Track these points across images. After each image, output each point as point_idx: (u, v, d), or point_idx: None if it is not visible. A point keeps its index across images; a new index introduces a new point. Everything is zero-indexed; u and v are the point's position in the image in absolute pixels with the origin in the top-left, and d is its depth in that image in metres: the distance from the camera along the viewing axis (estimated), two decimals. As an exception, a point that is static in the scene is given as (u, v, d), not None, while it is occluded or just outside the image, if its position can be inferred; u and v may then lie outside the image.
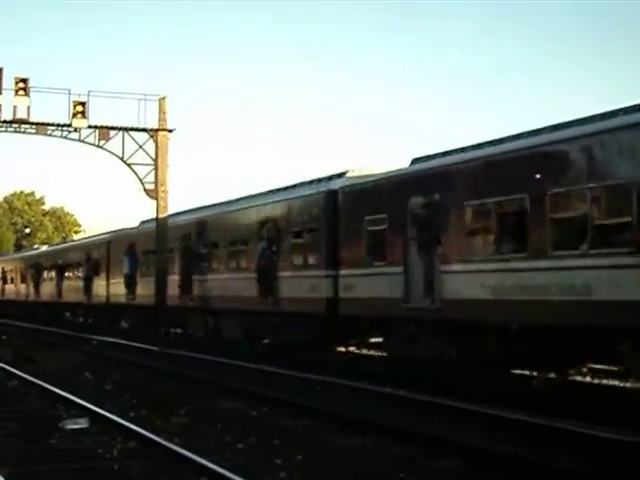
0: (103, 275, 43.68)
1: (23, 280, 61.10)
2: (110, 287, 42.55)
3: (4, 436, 13.06)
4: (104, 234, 46.96)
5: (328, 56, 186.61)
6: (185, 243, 34.79)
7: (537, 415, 13.56)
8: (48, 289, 53.20)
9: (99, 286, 44.19)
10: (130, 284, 39.28)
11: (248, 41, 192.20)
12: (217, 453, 11.44)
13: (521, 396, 15.82)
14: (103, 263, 44.05)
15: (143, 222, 42.67)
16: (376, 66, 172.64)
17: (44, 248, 64.21)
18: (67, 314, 53.11)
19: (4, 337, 36.85)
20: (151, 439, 12.24)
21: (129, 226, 46.15)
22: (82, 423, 14.02)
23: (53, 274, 53.01)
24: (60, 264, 51.70)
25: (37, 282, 55.56)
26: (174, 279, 34.53)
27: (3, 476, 9.89)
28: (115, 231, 45.31)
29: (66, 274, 51.26)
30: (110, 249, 43.28)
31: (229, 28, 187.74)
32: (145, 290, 37.28)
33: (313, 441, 12.70)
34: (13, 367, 22.52)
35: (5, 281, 68.46)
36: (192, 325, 34.53)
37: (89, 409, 15.18)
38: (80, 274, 47.49)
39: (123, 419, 13.92)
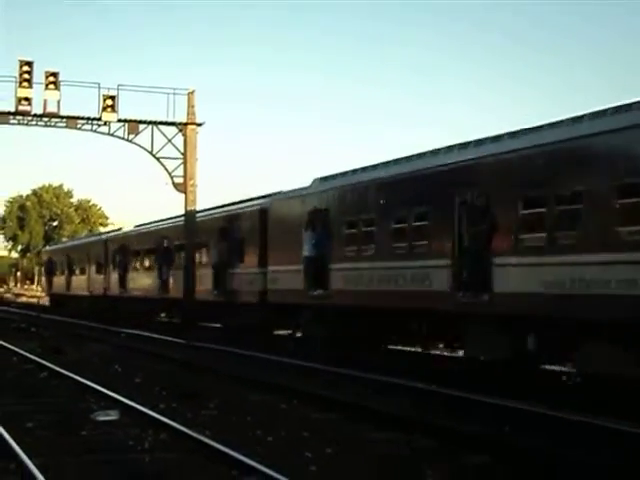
0: (252, 259, 31.03)
1: (100, 270, 50.76)
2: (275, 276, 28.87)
3: (36, 427, 13.19)
4: (238, 203, 35.26)
5: (362, 50, 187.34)
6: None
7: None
8: (143, 281, 43.26)
9: (246, 276, 31.51)
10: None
11: (277, 34, 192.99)
12: (247, 446, 11.47)
13: (549, 391, 15.76)
14: (253, 242, 31.25)
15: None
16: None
17: (128, 228, 51.01)
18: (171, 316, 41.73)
19: (33, 329, 37.11)
20: (182, 431, 12.30)
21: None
22: (113, 415, 14.11)
23: (151, 261, 42.89)
24: (166, 247, 40.61)
25: (125, 271, 45.75)
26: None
27: (36, 467, 9.96)
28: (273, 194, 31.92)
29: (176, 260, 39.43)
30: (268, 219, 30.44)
31: (257, 22, 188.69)
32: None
33: (342, 434, 12.71)
34: (43, 359, 22.68)
35: (72, 272, 58.43)
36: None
37: (119, 401, 15.28)
38: (204, 259, 36.62)
39: (154, 411, 14.00)
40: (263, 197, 32.04)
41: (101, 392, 16.46)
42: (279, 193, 30.58)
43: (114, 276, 47.49)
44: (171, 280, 39.24)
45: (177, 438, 12.15)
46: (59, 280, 61.61)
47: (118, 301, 47.22)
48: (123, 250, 46.53)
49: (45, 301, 71.29)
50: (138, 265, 44.92)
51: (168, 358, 24.43)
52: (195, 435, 11.96)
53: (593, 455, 10.84)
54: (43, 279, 72.26)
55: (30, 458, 10.36)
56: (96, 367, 21.78)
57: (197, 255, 36.96)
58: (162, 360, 24.12)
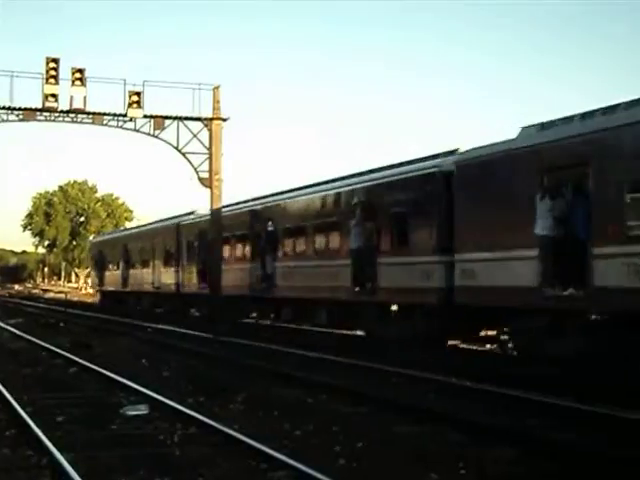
0: (425, 243, 23.69)
1: (170, 262, 44.85)
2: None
3: (66, 422, 13.31)
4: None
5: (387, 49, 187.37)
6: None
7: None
8: (235, 275, 36.72)
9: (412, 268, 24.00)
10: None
11: (300, 31, 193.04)
12: (275, 440, 11.53)
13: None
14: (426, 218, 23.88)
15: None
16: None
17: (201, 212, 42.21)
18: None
19: (62, 324, 37.37)
20: (211, 425, 12.37)
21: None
22: (142, 409, 14.21)
23: (245, 249, 36.81)
24: (270, 231, 33.38)
25: (206, 263, 39.31)
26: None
27: (67, 461, 10.05)
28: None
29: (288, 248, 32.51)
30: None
31: (280, 19, 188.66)
32: None
33: (371, 429, 12.73)
34: (73, 354, 22.84)
35: (130, 265, 52.51)
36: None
37: (148, 395, 15.39)
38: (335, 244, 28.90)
39: (182, 406, 14.09)
40: (431, 157, 24.89)
41: (130, 387, 16.57)
42: (469, 151, 22.80)
43: (191, 269, 41.69)
44: (279, 273, 32.71)
45: (206, 432, 12.23)
46: (112, 275, 56.23)
47: (196, 299, 41.54)
48: (203, 237, 40.01)
49: (86, 297, 72.65)
50: (228, 254, 37.95)
51: (195, 352, 24.54)
52: (224, 429, 12.03)
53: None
54: (92, 274, 66.43)
55: (61, 452, 10.47)
56: (124, 361, 21.92)
57: (324, 239, 29.79)
58: (190, 354, 24.22)
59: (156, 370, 20.25)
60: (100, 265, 59.52)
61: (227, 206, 38.58)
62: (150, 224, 53.15)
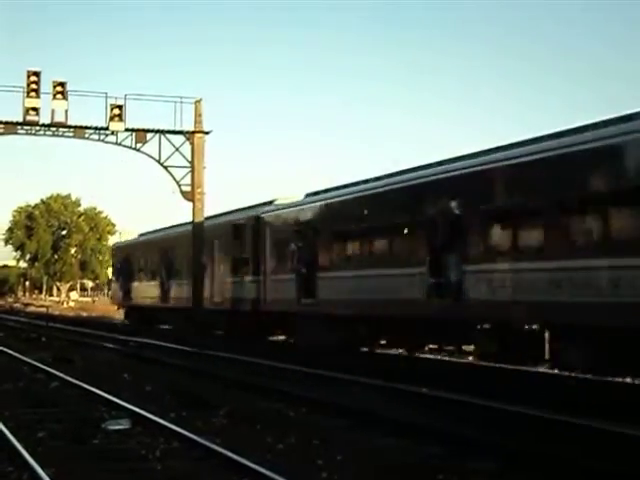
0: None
1: (241, 269, 34.34)
2: None
3: (48, 437, 13.25)
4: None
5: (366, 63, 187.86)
6: None
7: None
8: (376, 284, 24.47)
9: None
10: None
11: (282, 46, 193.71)
12: (258, 453, 11.53)
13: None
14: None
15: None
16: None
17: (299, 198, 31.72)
18: None
19: (43, 339, 37.19)
20: (193, 440, 12.36)
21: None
22: (124, 424, 14.17)
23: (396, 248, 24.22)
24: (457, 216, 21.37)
25: (313, 269, 28.38)
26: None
27: (48, 476, 10.03)
28: None
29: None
30: None
31: (263, 34, 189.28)
32: None
33: (352, 442, 12.75)
34: (54, 368, 22.75)
35: (171, 273, 42.20)
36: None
37: (130, 410, 15.34)
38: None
39: (164, 420, 14.06)
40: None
41: (112, 401, 16.52)
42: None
43: (281, 277, 30.82)
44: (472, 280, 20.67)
45: (188, 446, 12.22)
46: (145, 287, 46.16)
47: (287, 319, 30.90)
48: (304, 233, 29.04)
49: (67, 311, 70.70)
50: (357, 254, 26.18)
51: (177, 366, 24.48)
52: (206, 443, 12.03)
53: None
54: (113, 285, 56.51)
55: (42, 468, 10.44)
56: (106, 376, 21.82)
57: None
58: (171, 368, 24.16)
59: (138, 384, 20.18)
60: (126, 274, 49.36)
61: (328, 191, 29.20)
62: (208, 218, 38.75)
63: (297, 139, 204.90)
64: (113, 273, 56.53)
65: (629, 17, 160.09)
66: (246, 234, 34.03)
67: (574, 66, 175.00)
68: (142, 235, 53.56)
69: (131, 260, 49.96)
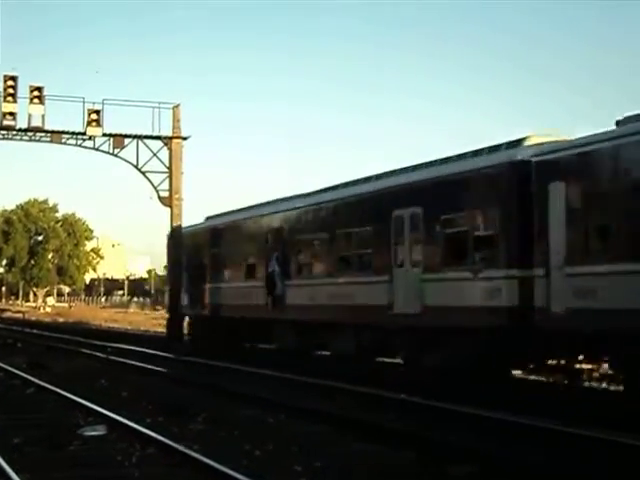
0: None
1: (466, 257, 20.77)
2: None
3: (24, 443, 13.12)
4: None
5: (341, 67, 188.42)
6: None
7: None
8: None
9: None
10: None
11: (261, 50, 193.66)
12: (235, 460, 11.46)
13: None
14: None
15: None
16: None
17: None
18: None
19: (19, 345, 36.96)
20: (170, 446, 12.29)
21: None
22: (100, 430, 14.09)
23: None
24: None
25: None
26: None
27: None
28: None
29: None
30: None
31: (241, 38, 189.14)
32: None
33: (330, 448, 12.71)
34: (30, 374, 22.61)
35: (299, 266, 28.95)
36: None
37: (107, 416, 15.26)
38: None
39: (141, 426, 13.98)
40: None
41: (88, 407, 16.42)
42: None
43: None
44: None
45: (165, 452, 12.15)
46: (235, 289, 32.60)
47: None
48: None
49: (44, 317, 69.19)
50: None
51: (155, 372, 24.39)
52: (182, 449, 11.96)
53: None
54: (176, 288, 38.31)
55: (17, 474, 10.37)
56: (83, 382, 21.70)
57: None
58: (149, 374, 24.06)
59: (115, 390, 20.08)
60: (198, 272, 35.74)
61: None
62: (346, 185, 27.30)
63: (275, 143, 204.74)
64: (171, 271, 40.29)
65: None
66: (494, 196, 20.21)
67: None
68: (215, 217, 37.00)
69: (209, 251, 35.34)
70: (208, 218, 37.58)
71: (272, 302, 29.22)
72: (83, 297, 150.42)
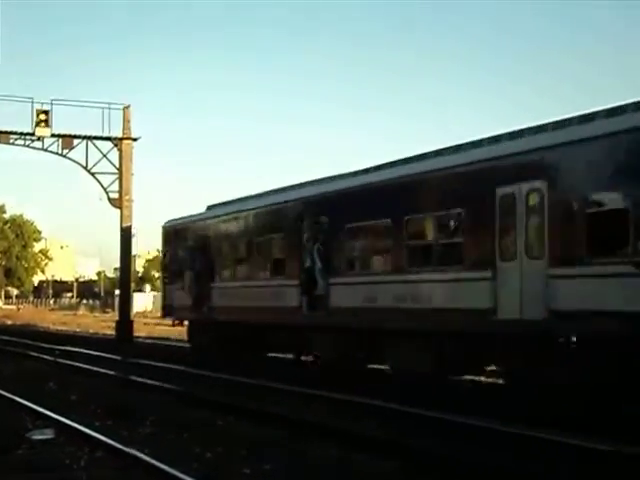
0: None
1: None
2: None
3: (-30, 448, 12.99)
4: None
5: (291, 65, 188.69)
6: None
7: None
8: None
9: None
10: None
11: (213, 52, 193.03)
12: (184, 462, 11.44)
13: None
14: None
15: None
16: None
17: None
18: None
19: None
20: (119, 449, 12.23)
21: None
22: (48, 434, 13.97)
23: None
24: None
25: None
26: None
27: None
28: None
29: None
30: None
31: (193, 39, 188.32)
32: None
33: (280, 451, 12.72)
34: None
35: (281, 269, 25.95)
36: None
37: (55, 419, 15.13)
38: None
39: (89, 429, 13.89)
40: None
41: (37, 410, 16.27)
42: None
43: None
44: None
45: (114, 455, 12.08)
46: (264, 292, 26.67)
47: None
48: None
49: None
50: None
51: (103, 375, 24.22)
52: (131, 452, 11.91)
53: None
54: (167, 289, 34.61)
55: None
56: (31, 385, 21.48)
57: None
58: (98, 377, 23.89)
59: (63, 393, 19.90)
60: (202, 269, 30.66)
61: None
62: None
63: (227, 145, 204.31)
64: (166, 270, 35.48)
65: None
66: None
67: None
68: (223, 205, 32.02)
69: (218, 244, 30.08)
70: (210, 207, 32.72)
71: (309, 304, 23.97)
72: (31, 299, 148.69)
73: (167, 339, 41.65)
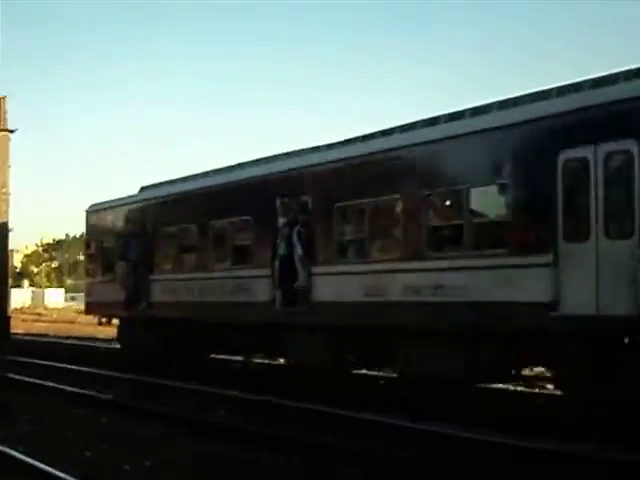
0: None
1: None
2: None
3: None
4: None
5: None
6: None
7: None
8: None
9: None
10: None
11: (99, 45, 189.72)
12: (65, 461, 11.13)
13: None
14: None
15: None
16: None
17: None
18: None
19: None
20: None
21: None
22: None
23: None
24: None
25: None
26: None
27: None
28: None
29: None
30: None
31: (72, 30, 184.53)
32: None
33: (162, 447, 12.54)
34: None
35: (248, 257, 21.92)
36: None
37: None
38: None
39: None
40: None
41: None
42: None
43: None
44: None
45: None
46: (224, 284, 22.71)
47: None
48: None
49: None
50: None
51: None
52: (8, 451, 11.52)
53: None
54: (89, 283, 30.69)
55: None
56: None
57: None
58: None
59: None
60: (139, 258, 26.48)
61: None
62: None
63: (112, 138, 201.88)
64: (90, 261, 31.26)
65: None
66: None
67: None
68: (163, 185, 27.75)
69: (159, 229, 25.96)
70: (145, 188, 28.49)
71: (285, 298, 20.19)
72: None
73: (46, 335, 40.89)
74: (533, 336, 14.48)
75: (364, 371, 20.43)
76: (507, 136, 15.13)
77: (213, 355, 25.51)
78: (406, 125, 18.37)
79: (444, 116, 17.41)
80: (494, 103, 16.42)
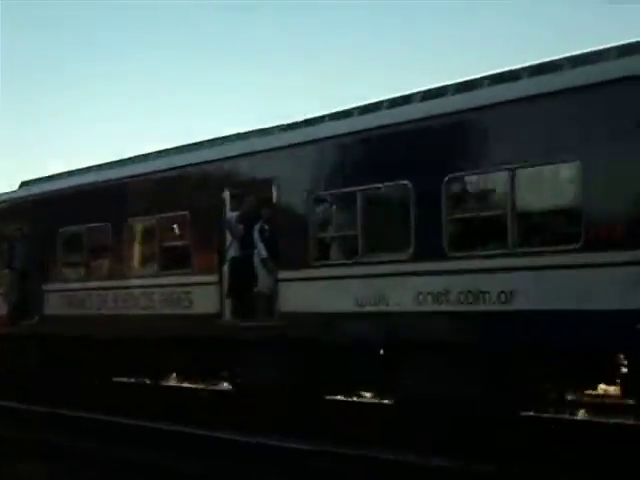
0: None
1: None
2: None
3: None
4: None
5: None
6: None
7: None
8: None
9: None
10: None
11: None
12: None
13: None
14: None
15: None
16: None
17: None
18: None
19: None
20: None
21: None
22: None
23: None
24: None
25: None
26: None
27: None
28: None
29: None
30: None
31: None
32: None
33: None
34: None
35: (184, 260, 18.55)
36: None
37: None
38: None
39: None
40: None
41: None
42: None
43: None
44: None
45: None
46: (144, 293, 19.11)
47: None
48: None
49: None
50: None
51: None
52: None
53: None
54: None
55: None
56: None
57: None
58: None
59: None
60: (29, 266, 22.39)
61: None
62: None
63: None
64: None
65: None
66: None
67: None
68: (44, 181, 23.74)
69: (55, 233, 21.64)
70: (26, 183, 24.14)
71: (239, 309, 16.83)
72: None
73: None
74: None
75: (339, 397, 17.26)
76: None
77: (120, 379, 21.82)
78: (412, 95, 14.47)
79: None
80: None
